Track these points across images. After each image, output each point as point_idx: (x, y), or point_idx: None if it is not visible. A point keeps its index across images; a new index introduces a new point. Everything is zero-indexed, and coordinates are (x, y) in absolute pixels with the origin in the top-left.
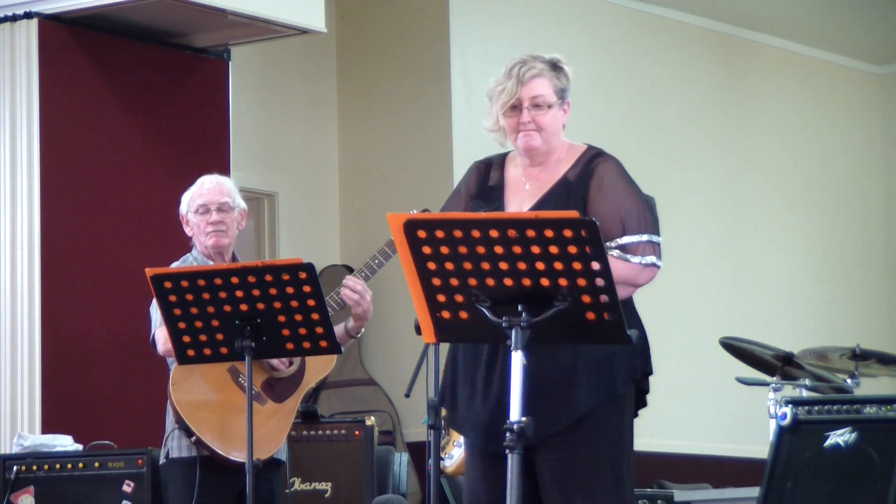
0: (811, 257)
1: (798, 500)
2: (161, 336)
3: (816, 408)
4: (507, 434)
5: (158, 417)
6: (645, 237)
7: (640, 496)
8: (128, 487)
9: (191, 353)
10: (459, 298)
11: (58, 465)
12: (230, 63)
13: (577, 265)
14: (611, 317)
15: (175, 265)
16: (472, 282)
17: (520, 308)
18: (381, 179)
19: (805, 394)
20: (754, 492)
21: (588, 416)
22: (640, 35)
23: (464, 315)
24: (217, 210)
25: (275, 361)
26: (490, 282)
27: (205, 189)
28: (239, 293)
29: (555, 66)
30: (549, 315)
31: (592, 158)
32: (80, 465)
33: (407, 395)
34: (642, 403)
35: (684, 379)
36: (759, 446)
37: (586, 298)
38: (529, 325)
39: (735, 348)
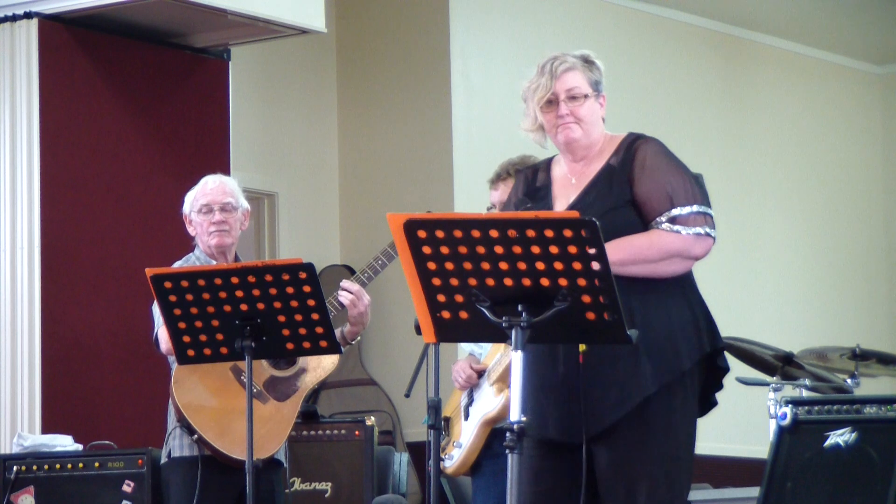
0: (811, 257)
1: (798, 500)
2: (164, 335)
3: (816, 408)
4: (508, 434)
5: (159, 417)
6: (696, 208)
7: None
8: (128, 487)
9: (191, 353)
10: (459, 298)
11: (58, 465)
12: (230, 63)
13: (577, 265)
14: (611, 317)
15: (177, 265)
16: (472, 282)
17: (520, 308)
18: (381, 179)
19: (805, 394)
20: (754, 492)
21: (651, 402)
22: (640, 35)
23: (464, 315)
24: (220, 210)
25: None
26: (490, 282)
27: (208, 189)
28: (239, 293)
29: (586, 60)
30: (549, 315)
31: (633, 142)
32: (80, 465)
33: (407, 395)
34: (718, 385)
35: None
36: (759, 446)
37: (586, 298)
38: (529, 325)
39: (735, 348)
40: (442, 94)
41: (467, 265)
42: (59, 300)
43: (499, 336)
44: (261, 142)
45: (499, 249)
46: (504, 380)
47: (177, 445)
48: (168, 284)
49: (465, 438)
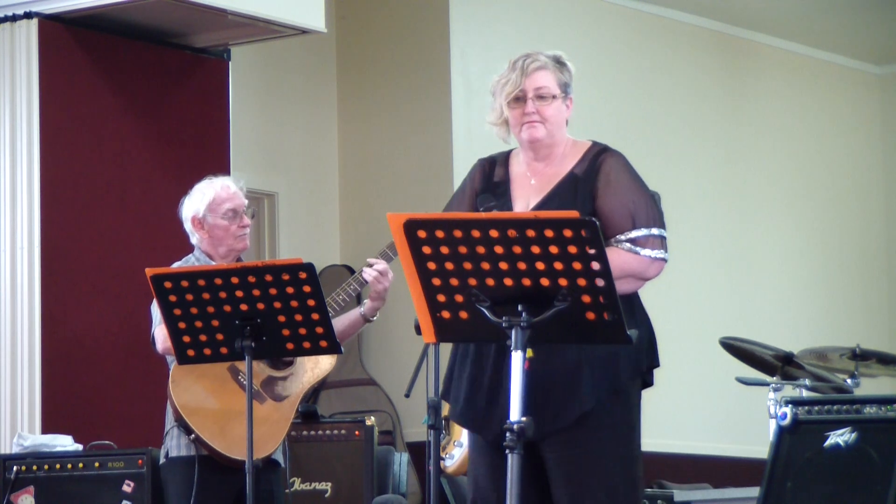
0: (811, 257)
1: (798, 500)
2: (160, 334)
3: (816, 408)
4: (507, 434)
5: (158, 417)
6: (654, 230)
7: None
8: (128, 487)
9: (191, 353)
10: (459, 298)
11: (58, 465)
12: (230, 63)
13: (577, 265)
14: (611, 317)
15: (176, 265)
16: (472, 282)
17: (520, 308)
18: (381, 179)
19: (805, 394)
20: (754, 492)
21: (594, 412)
22: (639, 35)
23: (464, 315)
24: (244, 213)
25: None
26: (490, 282)
27: (231, 192)
28: (239, 293)
29: (558, 61)
30: (549, 315)
31: (599, 154)
32: (80, 465)
33: (407, 395)
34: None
35: (684, 379)
36: (759, 446)
37: (586, 298)
38: (529, 325)
39: (735, 348)
40: (442, 94)
41: (467, 265)
42: (59, 300)
43: (499, 336)
44: (261, 142)
45: (499, 249)
46: None
47: (174, 445)
48: (168, 284)
49: (465, 437)
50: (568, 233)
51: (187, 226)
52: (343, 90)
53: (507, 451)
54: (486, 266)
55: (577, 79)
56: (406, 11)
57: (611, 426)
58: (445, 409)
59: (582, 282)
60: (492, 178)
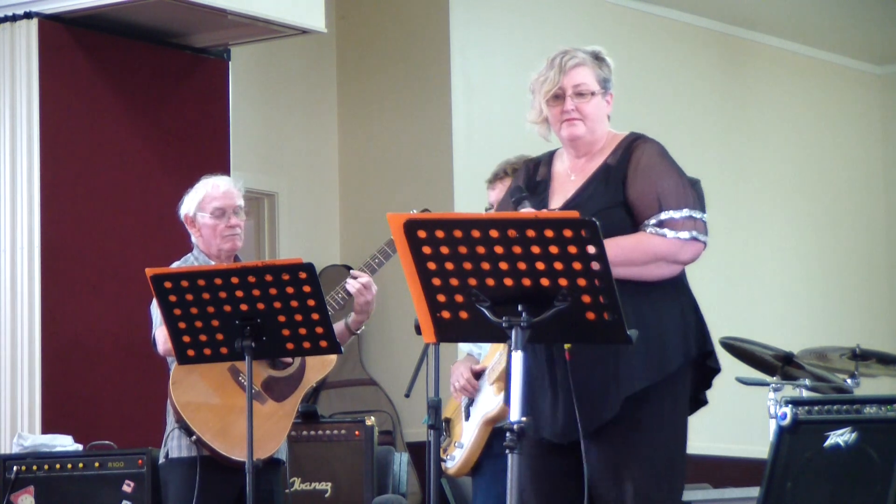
0: (811, 257)
1: (798, 500)
2: (161, 336)
3: (816, 408)
4: (507, 434)
5: (158, 417)
6: (685, 212)
7: None
8: (128, 487)
9: (191, 353)
10: (459, 298)
11: (58, 465)
12: (230, 63)
13: (577, 265)
14: (611, 317)
15: (176, 265)
16: (472, 282)
17: (520, 308)
18: (381, 179)
19: (805, 394)
20: (754, 492)
21: (639, 403)
22: (639, 35)
23: (464, 315)
24: (233, 213)
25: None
26: (490, 282)
27: (221, 191)
28: (239, 293)
29: (597, 57)
30: (549, 315)
31: (632, 142)
32: (80, 465)
33: (407, 395)
34: (707, 384)
35: None
36: (759, 446)
37: (586, 298)
38: (529, 325)
39: (735, 348)
40: (442, 94)
41: (467, 265)
42: (59, 300)
43: (499, 336)
44: (261, 142)
45: (499, 249)
46: (504, 379)
47: (175, 446)
48: (168, 284)
49: (466, 438)
50: (568, 233)
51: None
52: (343, 90)
53: (507, 451)
54: (486, 266)
55: None
56: (406, 11)
57: (657, 417)
58: (445, 409)
59: (582, 282)
60: (535, 177)
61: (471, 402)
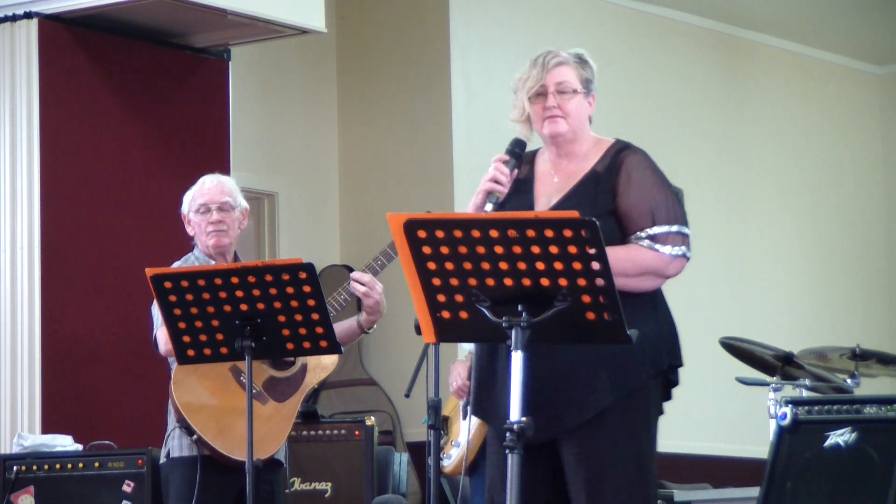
0: (811, 257)
1: (798, 500)
2: (163, 336)
3: (816, 408)
4: (507, 434)
5: (158, 417)
6: (675, 227)
7: None
8: (128, 487)
9: (191, 353)
10: (459, 298)
11: (58, 465)
12: (230, 63)
13: (577, 265)
14: (611, 317)
15: (177, 265)
16: (472, 282)
17: (520, 308)
18: (381, 179)
19: (805, 394)
20: (754, 492)
21: (612, 409)
22: (639, 35)
23: (464, 315)
24: (218, 210)
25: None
26: (490, 282)
27: (206, 188)
28: (239, 293)
29: (580, 58)
30: (549, 315)
31: (620, 151)
32: (80, 465)
33: (407, 395)
34: (667, 396)
35: (684, 379)
36: (759, 446)
37: (586, 298)
38: (529, 325)
39: (735, 348)
40: (442, 94)
41: (467, 265)
42: (59, 300)
43: (499, 336)
44: (261, 142)
45: (499, 249)
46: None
47: (176, 446)
48: (168, 284)
49: (462, 438)
50: (568, 233)
51: None
52: (343, 90)
53: (506, 451)
54: (486, 266)
55: None
56: (406, 11)
57: (628, 424)
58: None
59: (582, 282)
60: (518, 175)
61: (468, 401)
